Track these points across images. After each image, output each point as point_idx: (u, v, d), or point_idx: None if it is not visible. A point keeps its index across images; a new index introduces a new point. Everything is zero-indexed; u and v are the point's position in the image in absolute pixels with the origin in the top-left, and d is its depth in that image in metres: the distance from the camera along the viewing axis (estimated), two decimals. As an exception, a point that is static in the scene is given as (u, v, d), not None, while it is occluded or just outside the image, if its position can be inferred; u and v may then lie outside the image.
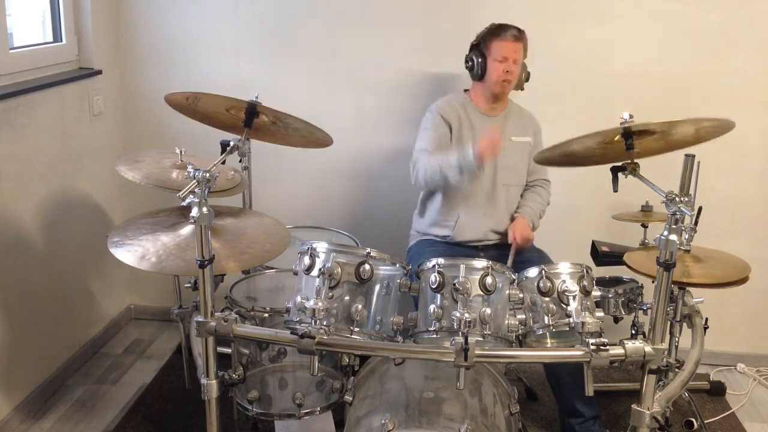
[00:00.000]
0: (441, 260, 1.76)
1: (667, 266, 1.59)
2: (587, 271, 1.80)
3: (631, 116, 1.76)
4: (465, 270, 1.70)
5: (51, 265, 2.73)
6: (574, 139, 1.81)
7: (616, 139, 1.79)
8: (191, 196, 1.63)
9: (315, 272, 1.73)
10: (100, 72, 2.93)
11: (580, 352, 1.61)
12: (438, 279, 1.72)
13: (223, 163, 1.92)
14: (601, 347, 1.59)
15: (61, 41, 2.84)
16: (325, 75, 3.00)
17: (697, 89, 2.85)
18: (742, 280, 2.14)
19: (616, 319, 2.41)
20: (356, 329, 1.71)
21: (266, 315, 2.13)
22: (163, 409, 2.63)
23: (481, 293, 1.71)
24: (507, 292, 1.77)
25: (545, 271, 1.77)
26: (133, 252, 1.85)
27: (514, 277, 1.81)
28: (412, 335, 1.79)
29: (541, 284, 1.76)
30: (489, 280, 1.71)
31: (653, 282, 1.68)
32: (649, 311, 1.79)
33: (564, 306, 1.73)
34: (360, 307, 1.71)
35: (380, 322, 1.75)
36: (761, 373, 3.07)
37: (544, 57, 2.56)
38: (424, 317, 1.75)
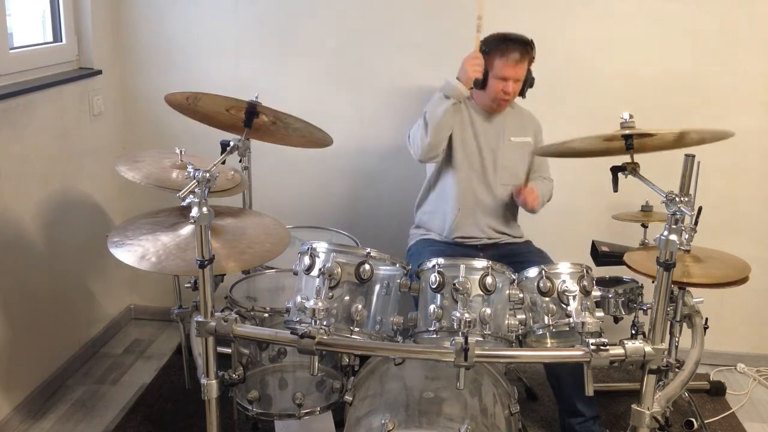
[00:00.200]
0: (441, 260, 1.76)
1: (667, 266, 1.59)
2: (587, 271, 1.80)
3: (631, 116, 1.77)
4: (465, 270, 1.70)
5: (51, 265, 2.73)
6: (575, 139, 1.81)
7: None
8: (191, 196, 1.63)
9: (315, 272, 1.73)
10: (100, 72, 2.93)
11: (580, 352, 1.61)
12: (438, 279, 1.72)
13: (223, 163, 1.92)
14: (601, 347, 1.59)
15: (61, 41, 2.84)
16: (325, 75, 3.00)
17: (697, 89, 2.85)
18: (742, 280, 2.14)
19: (616, 319, 2.41)
20: (356, 329, 1.71)
21: (266, 315, 2.13)
22: (163, 409, 2.63)
23: (481, 293, 1.71)
24: (507, 292, 1.77)
25: (545, 271, 1.77)
26: (133, 252, 1.85)
27: (514, 277, 1.81)
28: (412, 335, 1.79)
29: (541, 284, 1.76)
30: (489, 280, 1.71)
31: (653, 282, 1.68)
32: (649, 311, 1.79)
33: (564, 306, 1.73)
34: (360, 307, 1.71)
35: (380, 322, 1.75)
36: (761, 373, 3.07)
37: (545, 57, 2.56)
38: (424, 317, 1.75)
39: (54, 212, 2.71)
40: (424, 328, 1.74)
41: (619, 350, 1.61)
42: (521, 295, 1.78)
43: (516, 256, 2.51)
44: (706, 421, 2.63)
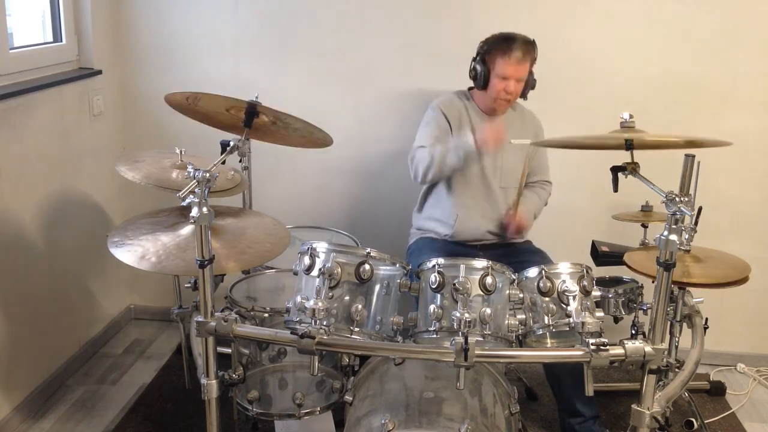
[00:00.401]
0: (441, 260, 1.76)
1: (667, 266, 1.59)
2: (587, 271, 1.80)
3: (631, 116, 1.77)
4: (465, 270, 1.70)
5: (51, 265, 2.73)
6: (575, 138, 1.81)
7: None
8: (191, 196, 1.63)
9: (315, 272, 1.73)
10: (100, 72, 2.93)
11: (580, 352, 1.61)
12: (438, 279, 1.72)
13: (223, 163, 1.92)
14: (601, 347, 1.59)
15: (61, 41, 2.84)
16: (325, 75, 3.00)
17: (697, 89, 2.85)
18: (742, 280, 2.14)
19: (616, 319, 2.41)
20: (356, 329, 1.71)
21: (266, 315, 2.13)
22: (163, 409, 2.63)
23: (481, 293, 1.71)
24: (507, 292, 1.77)
25: (545, 271, 1.77)
26: (133, 252, 1.85)
27: (514, 277, 1.81)
28: (412, 335, 1.79)
29: (541, 284, 1.76)
30: (489, 280, 1.71)
31: (653, 282, 1.68)
32: (649, 311, 1.79)
33: (564, 306, 1.73)
34: (360, 307, 1.71)
35: (380, 322, 1.75)
36: (761, 373, 3.07)
37: (545, 57, 2.56)
38: (424, 317, 1.75)
39: (54, 212, 2.71)
40: (424, 328, 1.74)
41: (619, 350, 1.60)
42: (521, 295, 1.78)
43: (516, 256, 2.50)
44: (706, 421, 2.63)
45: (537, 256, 2.54)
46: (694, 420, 2.55)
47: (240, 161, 2.45)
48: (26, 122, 2.52)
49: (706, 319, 2.26)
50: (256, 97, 2.03)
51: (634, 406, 1.67)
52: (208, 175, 1.63)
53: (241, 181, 2.41)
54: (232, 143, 1.98)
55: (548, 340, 1.77)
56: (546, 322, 1.75)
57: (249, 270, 2.36)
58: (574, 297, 1.73)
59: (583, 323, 1.63)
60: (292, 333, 1.66)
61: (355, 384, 1.98)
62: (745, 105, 2.85)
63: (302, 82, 3.01)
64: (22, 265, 2.55)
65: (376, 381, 1.97)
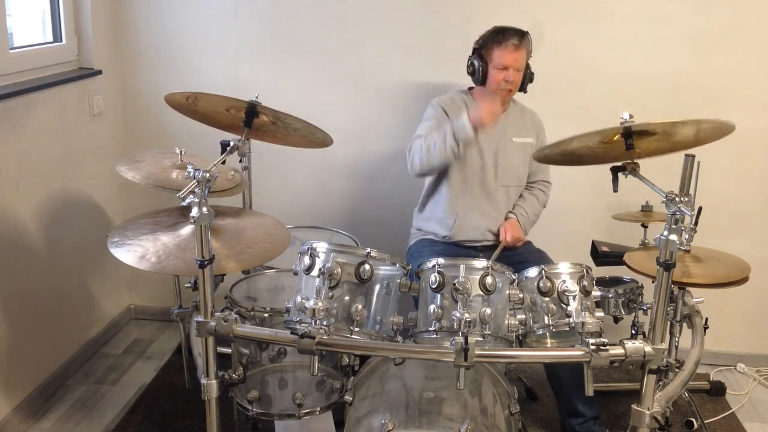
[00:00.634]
0: (441, 260, 1.76)
1: (667, 266, 1.59)
2: (587, 271, 1.80)
3: (631, 116, 1.76)
4: (465, 270, 1.71)
5: (51, 265, 2.73)
6: (575, 137, 1.81)
7: (615, 138, 1.78)
8: (191, 196, 1.63)
9: (315, 272, 1.73)
10: (100, 72, 2.93)
11: (580, 352, 1.61)
12: (438, 279, 1.72)
13: (223, 163, 1.92)
14: (601, 347, 1.59)
15: (61, 41, 2.84)
16: (325, 75, 3.00)
17: (697, 89, 2.85)
18: (742, 280, 2.14)
19: (616, 319, 2.40)
20: (356, 329, 1.71)
21: (266, 315, 2.13)
22: (163, 409, 2.63)
23: (481, 293, 1.71)
24: (507, 292, 1.77)
25: (545, 271, 1.77)
26: (133, 252, 1.85)
27: (514, 277, 1.81)
28: (412, 335, 1.79)
29: (541, 284, 1.76)
30: (489, 280, 1.71)
31: (653, 282, 1.68)
32: (649, 311, 1.79)
33: (564, 306, 1.74)
34: (360, 307, 1.71)
35: (380, 322, 1.75)
36: (761, 373, 3.07)
37: (545, 57, 2.56)
38: (424, 317, 1.75)
39: (54, 212, 2.71)
40: (424, 328, 1.74)
41: (619, 350, 1.61)
42: (521, 295, 1.78)
43: (516, 256, 2.50)
44: (706, 421, 2.63)
45: (537, 256, 2.54)
46: (694, 420, 2.55)
47: (240, 161, 2.45)
48: (26, 122, 2.52)
49: (706, 319, 2.26)
50: (256, 97, 2.03)
51: (634, 406, 1.67)
52: (208, 175, 1.63)
53: (241, 181, 2.41)
54: (232, 143, 1.98)
55: (548, 340, 1.77)
56: (546, 322, 1.75)
57: (249, 270, 2.36)
58: (574, 297, 1.73)
59: (583, 323, 1.63)
60: (292, 333, 1.67)
61: (355, 384, 1.98)
62: (745, 105, 2.85)
63: (302, 82, 3.01)
64: (22, 265, 2.55)
65: (376, 381, 1.97)
